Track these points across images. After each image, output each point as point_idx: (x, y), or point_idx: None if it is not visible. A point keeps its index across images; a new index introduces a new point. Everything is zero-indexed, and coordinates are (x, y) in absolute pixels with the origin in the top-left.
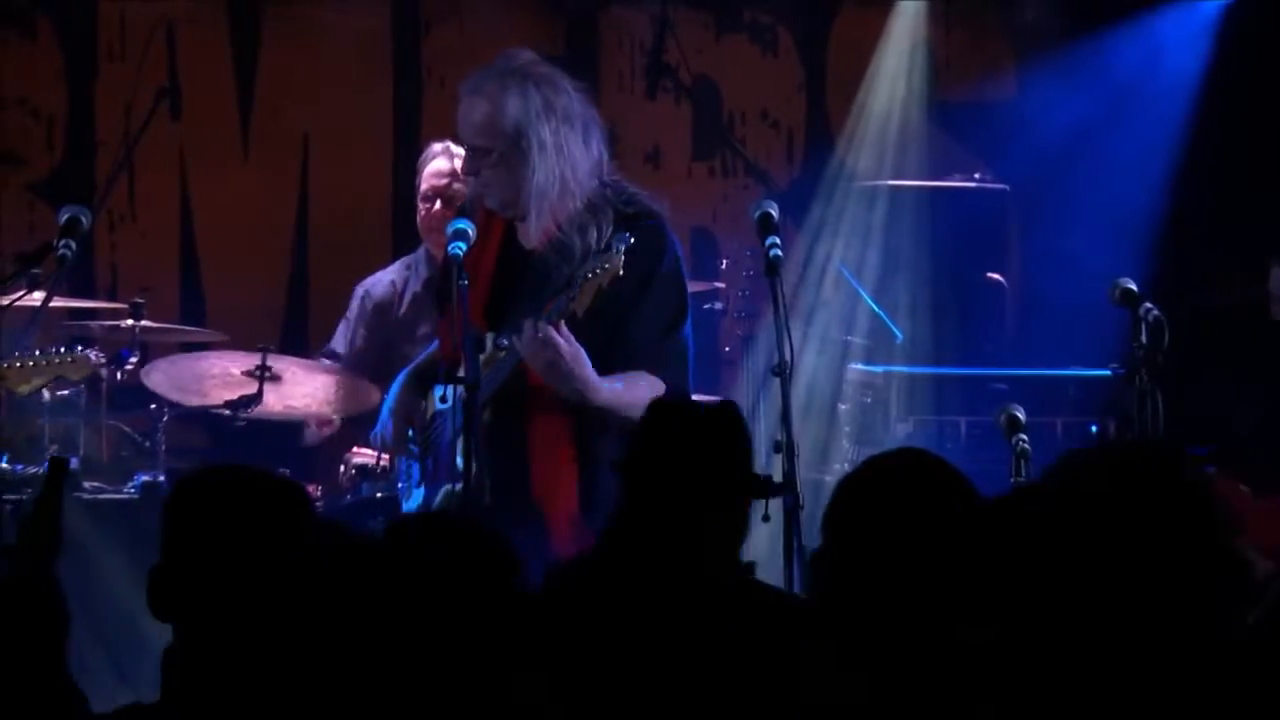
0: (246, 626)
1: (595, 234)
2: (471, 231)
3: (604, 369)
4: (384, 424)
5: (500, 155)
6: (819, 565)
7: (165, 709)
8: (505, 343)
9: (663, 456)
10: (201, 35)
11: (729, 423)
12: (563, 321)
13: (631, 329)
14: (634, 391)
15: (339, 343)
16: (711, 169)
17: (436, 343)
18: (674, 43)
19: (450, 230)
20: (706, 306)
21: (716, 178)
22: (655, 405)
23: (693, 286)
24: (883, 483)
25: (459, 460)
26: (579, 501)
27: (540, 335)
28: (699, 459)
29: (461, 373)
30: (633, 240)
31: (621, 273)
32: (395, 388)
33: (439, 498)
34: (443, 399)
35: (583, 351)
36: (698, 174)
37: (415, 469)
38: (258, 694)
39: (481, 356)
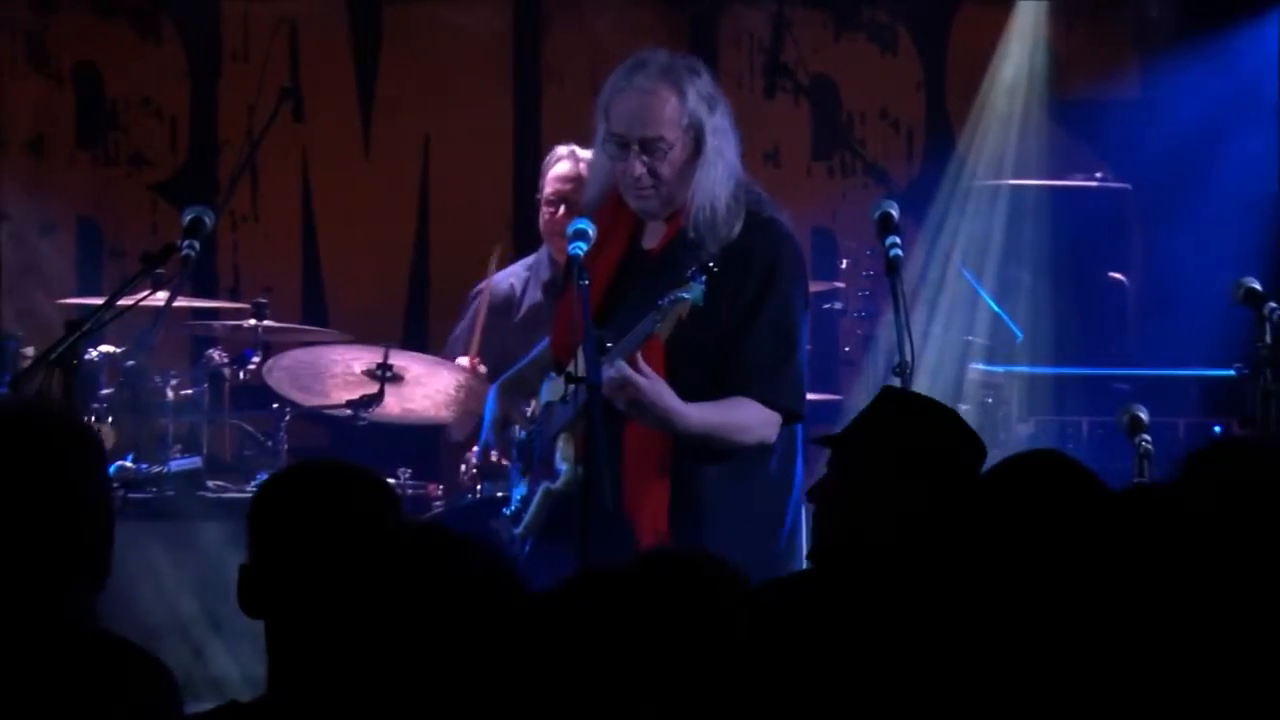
0: (333, 624)
1: (727, 234)
2: (592, 231)
3: (715, 387)
4: (486, 437)
5: (679, 148)
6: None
7: (262, 706)
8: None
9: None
10: (323, 35)
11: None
12: (639, 354)
13: (747, 351)
14: (732, 416)
15: (456, 343)
16: (831, 168)
17: (534, 352)
18: (792, 42)
19: (571, 230)
20: (826, 306)
21: (836, 177)
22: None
23: (813, 286)
24: (1021, 483)
25: (559, 459)
26: (668, 516)
27: (616, 375)
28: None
29: (581, 373)
30: (716, 270)
31: (701, 303)
32: (490, 402)
33: (537, 495)
34: (564, 399)
35: (662, 382)
36: (817, 173)
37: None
38: (350, 693)
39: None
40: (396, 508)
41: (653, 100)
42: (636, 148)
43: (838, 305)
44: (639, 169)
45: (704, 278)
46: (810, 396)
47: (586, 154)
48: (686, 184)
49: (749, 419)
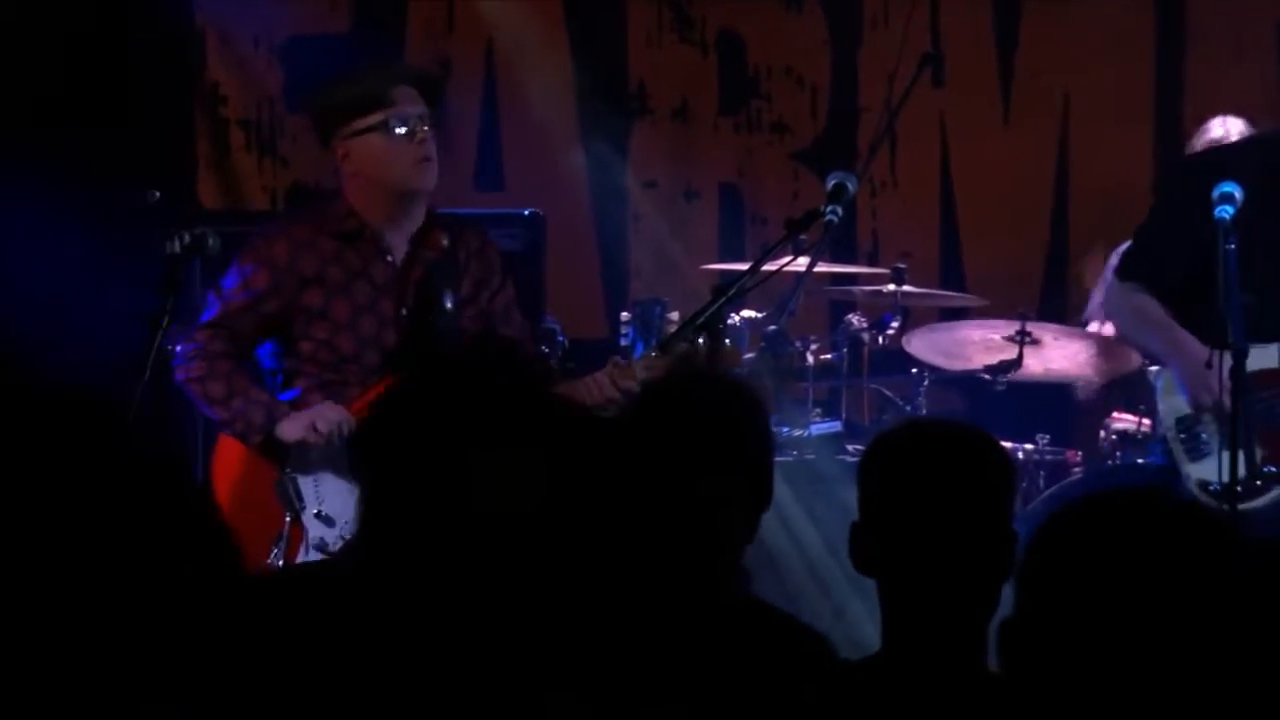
0: (942, 584)
1: None
2: (1238, 194)
3: None
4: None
5: None
6: None
7: (875, 663)
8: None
9: None
10: (964, 1)
11: None
12: None
13: None
14: None
15: (1098, 310)
16: None
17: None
18: None
19: (1217, 194)
20: None
21: None
22: None
23: None
24: None
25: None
26: None
27: None
28: None
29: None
30: None
31: None
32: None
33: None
34: None
35: None
36: None
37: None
38: (961, 651)
39: None
40: (1011, 473)
41: None
42: None
43: None
44: None
45: None
46: None
47: (1238, 124)
48: None
49: None
